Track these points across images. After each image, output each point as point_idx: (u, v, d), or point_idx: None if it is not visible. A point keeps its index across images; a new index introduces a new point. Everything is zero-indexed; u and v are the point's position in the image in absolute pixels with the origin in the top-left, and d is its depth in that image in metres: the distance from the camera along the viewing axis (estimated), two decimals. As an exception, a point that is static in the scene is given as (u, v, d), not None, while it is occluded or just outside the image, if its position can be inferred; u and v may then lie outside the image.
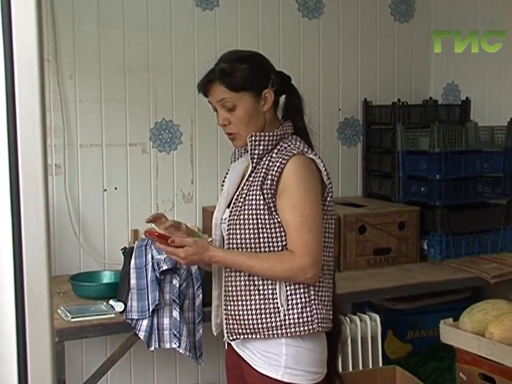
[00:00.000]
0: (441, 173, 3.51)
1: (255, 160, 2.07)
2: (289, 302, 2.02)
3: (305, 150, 2.05)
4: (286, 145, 2.06)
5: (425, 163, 3.59)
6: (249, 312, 2.04)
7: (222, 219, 2.15)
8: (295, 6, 3.87)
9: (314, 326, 2.02)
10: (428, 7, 4.20)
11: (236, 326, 2.07)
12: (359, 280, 3.29)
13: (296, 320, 2.01)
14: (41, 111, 0.73)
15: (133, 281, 2.73)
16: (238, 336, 2.08)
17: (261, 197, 2.01)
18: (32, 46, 0.70)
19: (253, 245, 2.03)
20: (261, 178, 2.03)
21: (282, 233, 2.02)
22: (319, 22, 3.92)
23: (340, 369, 2.95)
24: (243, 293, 2.05)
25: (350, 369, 3.18)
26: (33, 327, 0.73)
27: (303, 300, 2.02)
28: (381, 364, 3.27)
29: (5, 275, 0.74)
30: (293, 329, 2.01)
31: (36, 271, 0.73)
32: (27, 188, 0.72)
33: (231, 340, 2.11)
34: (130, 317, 2.70)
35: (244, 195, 2.06)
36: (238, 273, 2.06)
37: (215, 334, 2.21)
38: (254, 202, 2.03)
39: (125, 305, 2.75)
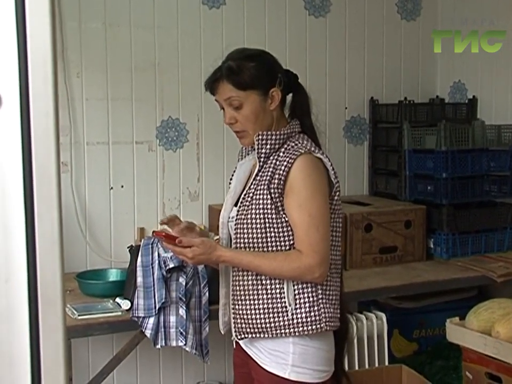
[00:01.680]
0: (448, 171, 3.50)
1: (262, 159, 2.06)
2: (297, 301, 2.02)
3: (313, 149, 2.05)
4: (293, 144, 2.06)
5: (432, 162, 3.58)
6: (257, 311, 2.04)
7: (229, 218, 2.15)
8: (302, 4, 3.86)
9: (322, 325, 2.02)
10: (434, 5, 4.19)
11: (243, 325, 2.07)
12: (365, 278, 3.29)
13: (304, 320, 2.01)
14: (55, 108, 0.73)
15: (139, 279, 2.74)
16: (246, 335, 2.08)
17: (268, 196, 2.01)
18: (46, 44, 0.70)
19: (260, 244, 2.03)
20: (268, 177, 2.02)
21: (290, 233, 2.02)
22: (325, 20, 3.92)
23: (346, 368, 2.96)
24: (251, 292, 2.05)
25: (356, 367, 3.18)
26: (46, 325, 0.73)
27: (311, 299, 2.02)
28: (387, 363, 3.27)
29: (19, 273, 0.75)
30: (300, 329, 2.01)
31: (49, 268, 0.73)
32: (40, 185, 0.72)
33: (239, 339, 2.11)
34: (136, 314, 2.71)
35: (251, 194, 2.06)
36: (245, 273, 2.06)
37: (222, 332, 2.21)
38: (261, 201, 2.02)
39: (131, 303, 2.75)
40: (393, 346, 3.60)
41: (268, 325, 2.03)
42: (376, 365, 3.24)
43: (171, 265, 2.70)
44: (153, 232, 2.09)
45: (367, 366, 3.21)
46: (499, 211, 3.68)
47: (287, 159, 2.01)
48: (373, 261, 3.49)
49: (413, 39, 4.16)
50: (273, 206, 2.01)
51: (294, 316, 2.01)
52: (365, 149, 4.10)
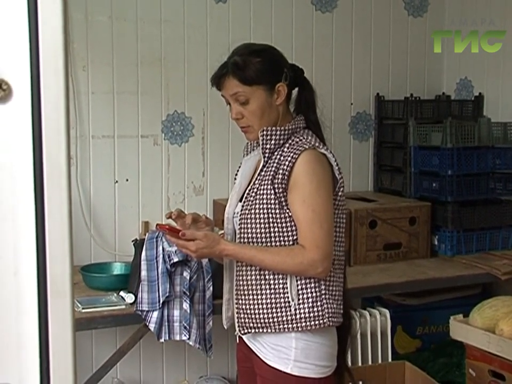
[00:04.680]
0: (453, 168, 3.50)
1: (266, 155, 2.07)
2: (300, 297, 2.02)
3: (317, 144, 2.05)
4: (298, 139, 2.06)
5: (437, 158, 3.58)
6: (260, 306, 2.04)
7: (234, 213, 2.15)
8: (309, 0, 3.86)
9: (325, 320, 2.02)
10: (441, 2, 4.18)
11: (247, 320, 2.07)
12: (369, 275, 3.29)
13: (307, 315, 2.01)
14: (65, 100, 0.73)
15: (143, 273, 2.74)
16: (249, 330, 2.08)
17: (272, 191, 2.01)
18: (57, 36, 0.70)
19: (263, 239, 2.03)
20: (272, 173, 2.02)
21: (293, 228, 2.02)
22: (332, 15, 3.91)
23: (349, 364, 2.96)
24: (254, 287, 2.06)
25: (359, 363, 3.18)
26: (55, 317, 0.73)
27: (314, 294, 2.02)
28: (390, 359, 3.27)
29: (28, 265, 0.75)
30: (303, 324, 2.01)
31: (58, 261, 0.73)
32: (50, 177, 0.72)
33: (242, 334, 2.11)
34: (140, 308, 2.71)
35: (255, 189, 2.06)
36: (249, 267, 2.06)
37: (226, 327, 2.22)
38: (265, 196, 2.02)
39: (135, 296, 2.75)
40: (397, 342, 3.60)
41: (270, 320, 2.03)
42: (379, 361, 3.24)
43: (175, 259, 2.70)
44: (157, 225, 2.10)
45: (370, 362, 3.21)
46: (504, 209, 3.67)
47: (291, 154, 2.01)
48: (377, 257, 3.49)
49: (419, 35, 4.15)
50: (276, 201, 2.01)
51: (297, 311, 2.01)
52: (370, 145, 4.09)
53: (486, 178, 3.63)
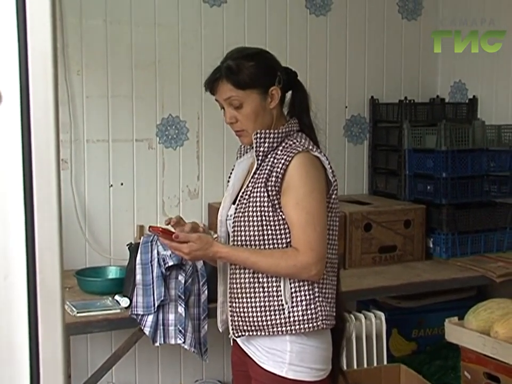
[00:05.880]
0: (448, 171, 3.50)
1: (260, 157, 2.07)
2: (294, 299, 2.02)
3: (310, 147, 2.05)
4: (291, 142, 2.06)
5: (432, 161, 3.58)
6: (254, 309, 2.04)
7: (227, 215, 2.15)
8: (303, 3, 3.86)
9: (318, 323, 2.02)
10: (435, 5, 4.18)
11: (240, 323, 2.07)
12: (364, 277, 3.29)
13: (301, 318, 2.01)
14: (55, 105, 0.73)
15: (138, 277, 2.74)
16: (243, 333, 2.08)
17: (265, 194, 2.01)
18: (46, 40, 0.70)
19: (257, 242, 2.03)
20: (265, 175, 2.03)
21: (287, 230, 2.02)
22: (326, 19, 3.92)
23: (345, 367, 2.96)
24: (247, 289, 2.06)
25: (355, 366, 3.18)
26: (45, 321, 0.73)
27: (307, 297, 2.02)
28: (385, 362, 3.27)
29: (18, 269, 0.75)
30: (297, 326, 2.01)
31: (48, 265, 0.73)
32: (40, 181, 0.72)
33: (236, 337, 2.11)
34: (135, 312, 2.71)
35: (248, 192, 2.06)
36: (242, 270, 2.07)
37: (220, 330, 2.22)
38: (258, 199, 2.03)
39: (131, 300, 2.75)
40: (392, 345, 3.60)
41: (264, 323, 2.03)
42: (375, 364, 3.24)
43: (170, 263, 2.70)
44: (150, 227, 2.09)
45: (365, 365, 3.21)
46: (499, 211, 3.68)
47: (285, 157, 2.01)
48: (372, 260, 3.49)
49: (413, 38, 4.15)
50: (270, 204, 2.01)
51: (291, 314, 2.01)
52: (365, 148, 4.10)
53: (481, 181, 3.63)
